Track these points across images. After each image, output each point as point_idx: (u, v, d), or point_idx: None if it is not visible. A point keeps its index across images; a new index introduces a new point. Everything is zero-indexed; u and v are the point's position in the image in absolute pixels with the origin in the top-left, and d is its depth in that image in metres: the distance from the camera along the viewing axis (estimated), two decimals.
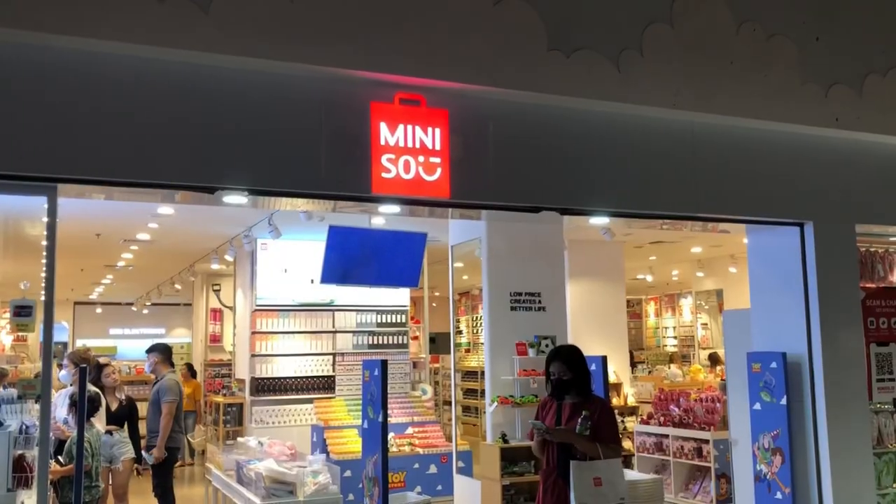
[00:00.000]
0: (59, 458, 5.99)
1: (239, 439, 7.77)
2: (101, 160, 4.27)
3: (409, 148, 4.80)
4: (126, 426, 7.51)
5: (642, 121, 5.65)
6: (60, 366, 7.27)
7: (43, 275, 4.44)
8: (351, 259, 8.19)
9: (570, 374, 4.68)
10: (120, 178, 4.37)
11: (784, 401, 6.16)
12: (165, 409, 7.52)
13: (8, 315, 4.58)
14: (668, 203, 5.84)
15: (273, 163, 4.63)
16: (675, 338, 19.42)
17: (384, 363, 5.05)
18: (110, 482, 7.26)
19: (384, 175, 4.76)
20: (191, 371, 13.19)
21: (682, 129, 5.81)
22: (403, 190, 4.83)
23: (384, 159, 4.74)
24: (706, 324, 17.72)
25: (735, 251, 13.69)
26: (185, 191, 4.62)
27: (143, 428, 7.85)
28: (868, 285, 6.59)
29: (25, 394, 4.51)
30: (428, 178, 4.83)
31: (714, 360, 13.91)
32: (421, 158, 4.83)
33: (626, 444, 10.65)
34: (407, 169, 4.79)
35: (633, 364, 14.97)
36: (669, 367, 13.37)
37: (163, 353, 8.03)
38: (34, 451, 4.52)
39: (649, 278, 16.68)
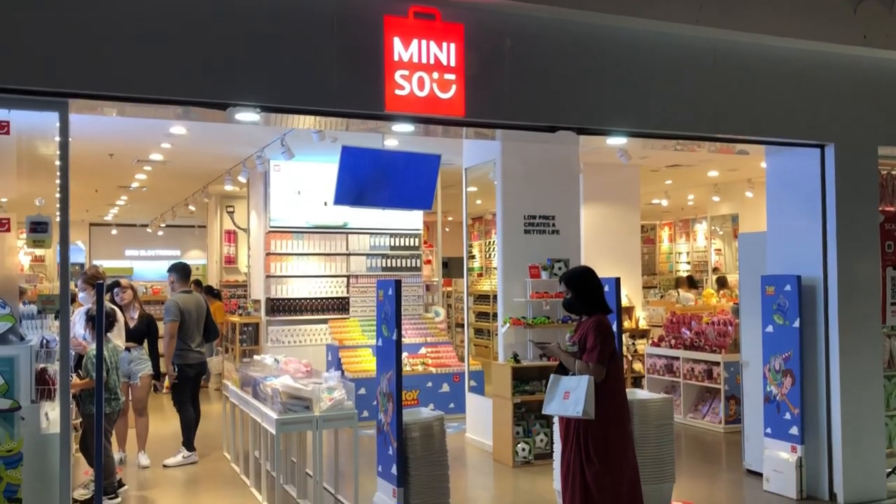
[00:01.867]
0: (79, 371, 6.13)
1: (255, 357, 7.91)
2: (113, 75, 4.22)
3: (423, 64, 4.70)
4: (146, 343, 7.65)
5: (663, 38, 5.51)
6: (77, 286, 7.37)
7: (57, 195, 4.44)
8: (364, 180, 8.15)
9: (569, 293, 4.72)
10: (131, 93, 4.32)
11: (797, 323, 6.17)
12: (164, 330, 7.72)
13: (24, 235, 4.61)
14: (687, 123, 5.75)
15: (285, 79, 4.56)
16: (688, 263, 19.40)
17: (398, 283, 5.06)
18: (130, 398, 7.45)
19: (398, 92, 4.68)
20: (211, 292, 12.91)
21: (704, 46, 5.66)
22: (417, 108, 4.76)
23: (398, 76, 4.66)
24: (720, 249, 17.66)
25: (752, 175, 13.50)
26: (197, 107, 4.57)
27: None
28: (887, 209, 6.52)
29: (45, 308, 4.57)
30: (442, 96, 4.76)
31: (721, 283, 13.98)
32: (435, 75, 4.74)
33: (637, 366, 10.78)
34: (421, 86, 4.70)
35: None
36: (678, 293, 13.25)
37: (177, 272, 8.19)
38: (55, 365, 4.61)
39: (664, 203, 16.54)
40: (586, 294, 4.72)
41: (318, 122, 5.35)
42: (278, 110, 4.75)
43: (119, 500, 6.19)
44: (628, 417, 4.80)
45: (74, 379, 5.96)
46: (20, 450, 4.29)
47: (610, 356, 4.59)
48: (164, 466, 7.41)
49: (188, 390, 7.83)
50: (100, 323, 4.56)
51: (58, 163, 4.42)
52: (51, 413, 4.74)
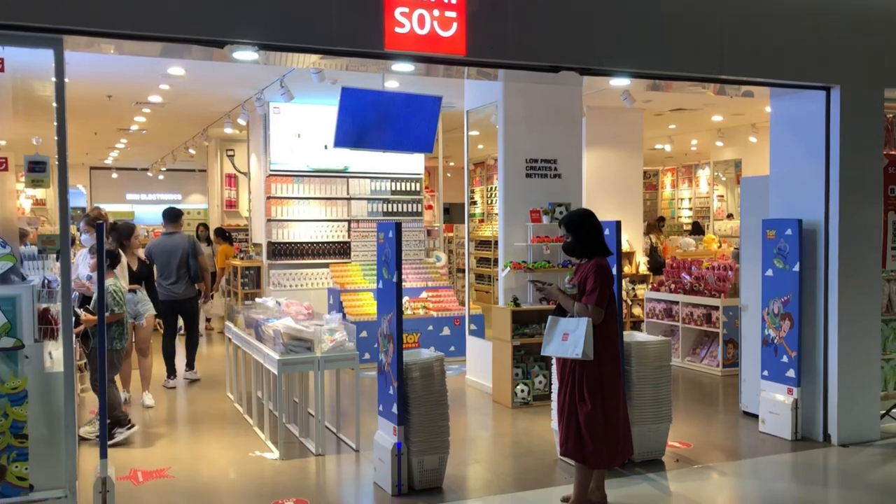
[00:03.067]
0: (87, 307, 6.19)
1: (257, 300, 7.96)
2: (109, 11, 4.15)
3: (423, 1, 4.61)
4: (144, 285, 7.73)
5: None
6: (78, 229, 7.42)
7: (55, 139, 4.40)
8: (364, 123, 8.09)
9: (569, 237, 4.70)
10: (128, 30, 4.25)
11: (797, 267, 6.18)
12: None
13: (24, 179, 4.59)
14: (691, 64, 5.66)
15: (283, 16, 4.48)
16: (690, 209, 19.37)
17: (398, 225, 5.06)
18: (134, 339, 7.53)
19: (398, 30, 4.60)
20: (222, 235, 12.76)
21: None
22: (417, 46, 4.68)
23: (398, 13, 4.57)
24: (722, 195, 17.60)
25: (756, 120, 13.38)
26: (195, 45, 4.50)
27: None
28: (892, 152, 6.47)
29: (45, 248, 4.56)
30: (443, 34, 4.68)
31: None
32: (436, 12, 4.65)
33: (636, 310, 10.85)
34: (421, 23, 4.62)
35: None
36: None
37: (162, 216, 8.82)
38: (58, 305, 4.64)
39: (668, 148, 16.43)
40: (585, 237, 4.70)
41: (316, 62, 5.27)
42: (276, 48, 4.67)
43: (135, 427, 6.33)
44: (621, 360, 4.84)
45: (85, 315, 6.04)
46: (25, 387, 4.35)
47: (608, 299, 4.60)
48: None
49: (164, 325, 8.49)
50: (100, 260, 4.57)
51: (55, 104, 4.37)
52: (54, 352, 4.79)
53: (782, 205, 6.51)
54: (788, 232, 6.25)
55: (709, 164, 17.83)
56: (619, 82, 6.23)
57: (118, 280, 6.50)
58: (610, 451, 4.64)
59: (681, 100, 11.31)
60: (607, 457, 4.64)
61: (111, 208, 19.38)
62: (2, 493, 4.30)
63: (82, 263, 6.66)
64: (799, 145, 6.38)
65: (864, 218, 6.16)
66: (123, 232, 7.74)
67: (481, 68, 5.51)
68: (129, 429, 6.25)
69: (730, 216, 16.82)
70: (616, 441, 4.64)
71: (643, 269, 11.57)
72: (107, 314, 6.06)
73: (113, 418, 6.17)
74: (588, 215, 4.81)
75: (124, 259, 7.17)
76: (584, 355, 4.43)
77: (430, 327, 9.63)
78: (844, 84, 6.05)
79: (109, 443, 6.03)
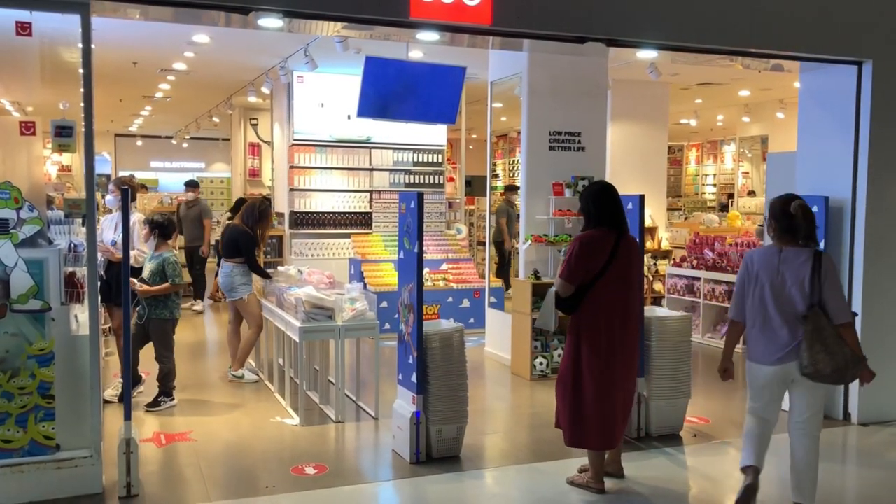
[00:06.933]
0: (142, 277, 6.28)
1: (279, 268, 8.01)
2: None
3: None
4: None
5: None
6: (103, 196, 7.48)
7: (82, 105, 4.42)
8: (388, 93, 8.07)
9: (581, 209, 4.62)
10: None
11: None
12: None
13: (50, 146, 4.63)
14: (720, 37, 5.57)
15: None
16: (714, 185, 19.17)
17: (420, 195, 5.06)
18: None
19: None
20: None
21: None
22: (442, 15, 4.64)
23: None
24: (747, 172, 17.41)
25: (784, 95, 13.17)
26: (220, 11, 4.49)
27: None
28: None
29: (71, 213, 4.63)
30: (469, 3, 4.63)
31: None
32: None
33: (657, 286, 10.80)
34: None
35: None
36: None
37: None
38: (84, 269, 4.71)
39: (693, 123, 16.24)
40: (590, 210, 4.50)
41: (341, 29, 5.25)
42: (301, 15, 4.65)
43: (176, 403, 6.44)
44: (611, 347, 4.43)
45: (141, 286, 6.18)
46: (52, 349, 4.44)
47: (598, 275, 4.36)
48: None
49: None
50: (126, 226, 4.62)
51: (81, 70, 4.39)
52: (80, 316, 4.87)
53: (809, 181, 6.42)
54: (815, 209, 6.16)
55: (735, 140, 17.63)
56: (646, 54, 6.15)
57: (171, 250, 6.58)
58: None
59: (708, 74, 11.15)
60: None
61: (135, 175, 19.55)
62: (30, 452, 4.40)
63: (108, 228, 6.72)
64: (828, 121, 6.27)
65: (893, 196, 6.07)
66: (264, 212, 7.56)
67: (506, 38, 5.45)
68: (171, 401, 6.40)
69: (751, 193, 16.64)
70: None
71: (665, 245, 11.49)
72: (172, 283, 6.25)
73: (167, 389, 6.37)
74: (602, 190, 4.55)
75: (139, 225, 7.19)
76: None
77: (450, 299, 9.66)
78: (877, 58, 5.93)
79: (153, 409, 6.21)
